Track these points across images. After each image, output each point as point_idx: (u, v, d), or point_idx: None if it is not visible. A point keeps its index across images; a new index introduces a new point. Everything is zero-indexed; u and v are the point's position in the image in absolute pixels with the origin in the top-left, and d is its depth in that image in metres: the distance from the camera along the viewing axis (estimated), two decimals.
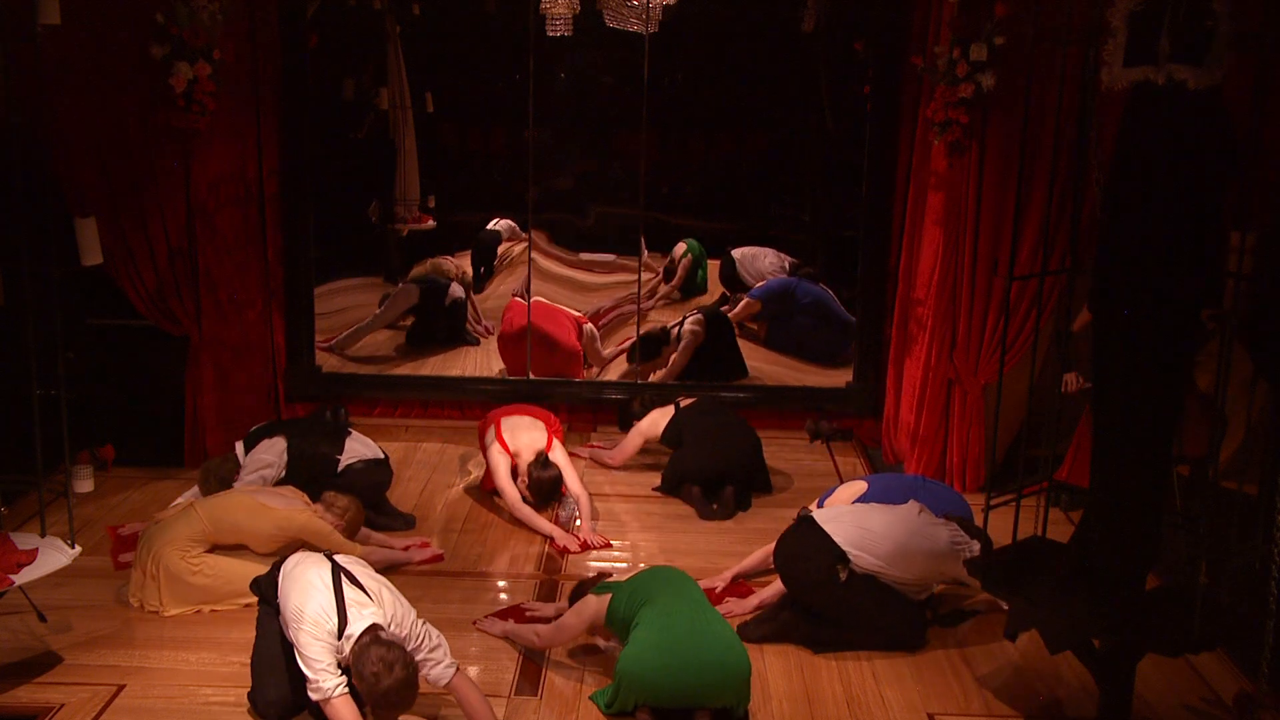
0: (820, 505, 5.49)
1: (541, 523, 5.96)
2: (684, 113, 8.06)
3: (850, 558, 4.74)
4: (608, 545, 5.86)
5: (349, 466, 5.81)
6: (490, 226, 8.45)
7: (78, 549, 4.62)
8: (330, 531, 5.07)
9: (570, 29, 7.24)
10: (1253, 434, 4.95)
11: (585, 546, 5.81)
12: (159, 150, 6.27)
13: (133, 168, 6.24)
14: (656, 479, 6.63)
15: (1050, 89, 5.14)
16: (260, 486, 5.43)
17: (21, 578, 4.34)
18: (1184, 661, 4.65)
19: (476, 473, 6.70)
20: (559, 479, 6.10)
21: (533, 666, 4.64)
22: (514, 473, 6.12)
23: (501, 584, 5.44)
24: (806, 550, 4.82)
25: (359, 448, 5.91)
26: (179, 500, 5.72)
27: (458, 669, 4.07)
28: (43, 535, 4.59)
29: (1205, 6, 3.56)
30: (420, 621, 4.09)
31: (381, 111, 8.01)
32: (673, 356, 7.84)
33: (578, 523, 6.04)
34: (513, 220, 8.36)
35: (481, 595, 5.29)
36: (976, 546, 4.87)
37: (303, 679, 3.99)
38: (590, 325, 8.00)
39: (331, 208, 7.48)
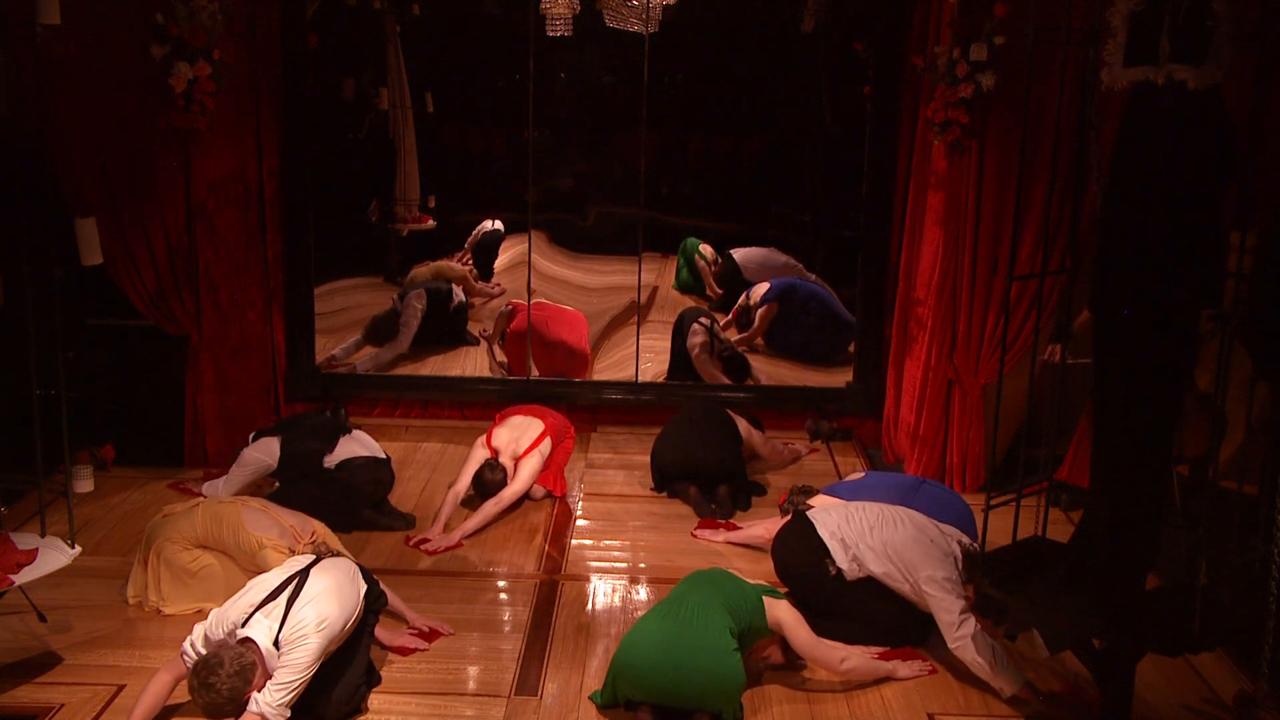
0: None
1: (442, 516, 5.89)
2: (684, 113, 8.05)
3: (830, 550, 4.77)
4: (458, 546, 5.74)
5: (347, 462, 5.80)
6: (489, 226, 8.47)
7: (78, 549, 4.61)
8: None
9: (570, 29, 7.24)
10: (1253, 434, 4.95)
11: (432, 552, 5.67)
12: (159, 150, 6.27)
13: (133, 168, 6.24)
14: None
15: (1050, 89, 5.13)
16: (267, 503, 5.15)
17: (21, 578, 4.34)
18: (1184, 661, 4.65)
19: None
20: (500, 485, 6.07)
21: (533, 667, 4.65)
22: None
23: (501, 584, 5.44)
24: (795, 543, 4.87)
25: (355, 447, 5.90)
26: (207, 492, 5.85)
27: None
28: (43, 535, 4.59)
29: (1205, 6, 3.56)
30: (307, 655, 3.97)
31: (381, 111, 8.01)
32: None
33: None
34: (499, 222, 8.37)
35: (481, 595, 5.29)
36: (958, 553, 4.79)
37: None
38: None
39: (331, 208, 7.48)
